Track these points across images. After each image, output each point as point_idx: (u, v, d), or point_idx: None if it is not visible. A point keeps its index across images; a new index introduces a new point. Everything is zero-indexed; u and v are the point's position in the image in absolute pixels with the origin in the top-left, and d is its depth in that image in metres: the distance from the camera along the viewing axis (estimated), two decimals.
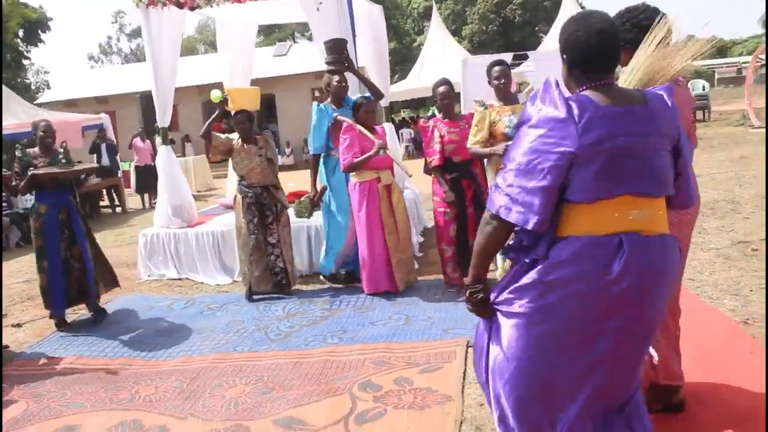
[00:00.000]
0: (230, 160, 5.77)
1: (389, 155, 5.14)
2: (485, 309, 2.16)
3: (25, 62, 26.71)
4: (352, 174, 5.28)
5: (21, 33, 24.41)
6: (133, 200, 13.50)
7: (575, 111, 1.89)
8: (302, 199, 6.67)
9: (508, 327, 2.08)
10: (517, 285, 2.04)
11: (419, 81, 18.34)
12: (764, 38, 38.69)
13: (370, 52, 7.64)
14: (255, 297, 5.63)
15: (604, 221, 1.92)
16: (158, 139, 13.51)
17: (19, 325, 5.56)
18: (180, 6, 6.37)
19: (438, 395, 3.41)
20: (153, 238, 6.69)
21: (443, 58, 17.50)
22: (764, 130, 14.66)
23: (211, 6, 6.33)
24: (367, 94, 5.57)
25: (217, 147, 5.69)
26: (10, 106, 12.37)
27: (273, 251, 5.60)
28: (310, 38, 43.15)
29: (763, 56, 18.63)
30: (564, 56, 2.06)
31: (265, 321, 5.02)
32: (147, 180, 13.21)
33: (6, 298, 6.48)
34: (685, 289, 3.78)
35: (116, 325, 5.30)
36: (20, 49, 24.94)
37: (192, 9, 6.42)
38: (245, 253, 5.60)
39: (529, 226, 1.91)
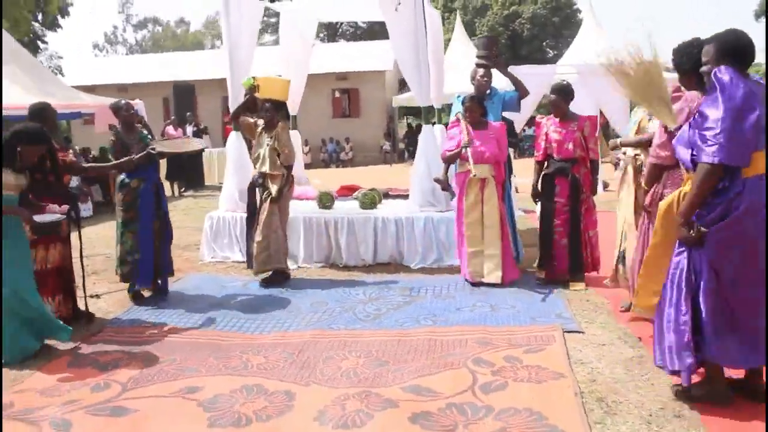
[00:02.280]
0: None
1: (467, 154, 5.37)
2: (699, 241, 2.97)
3: (42, 46, 26.42)
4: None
5: (40, 16, 24.22)
6: None
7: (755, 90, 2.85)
8: (367, 191, 6.90)
9: (726, 249, 2.94)
10: (729, 219, 2.91)
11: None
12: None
13: (430, 55, 7.85)
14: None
15: (759, 165, 2.89)
16: (189, 129, 13.78)
17: (98, 296, 5.69)
18: None
19: (550, 372, 3.62)
20: (219, 221, 6.85)
21: (467, 66, 17.56)
22: None
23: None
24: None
25: (243, 129, 6.16)
26: (45, 86, 12.46)
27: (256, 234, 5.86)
28: (322, 40, 43.34)
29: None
30: (725, 56, 2.95)
31: (349, 303, 5.20)
32: (177, 168, 13.34)
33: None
34: None
35: (194, 302, 5.40)
36: (37, 32, 24.74)
37: (272, 0, 6.63)
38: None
39: (745, 165, 2.84)
